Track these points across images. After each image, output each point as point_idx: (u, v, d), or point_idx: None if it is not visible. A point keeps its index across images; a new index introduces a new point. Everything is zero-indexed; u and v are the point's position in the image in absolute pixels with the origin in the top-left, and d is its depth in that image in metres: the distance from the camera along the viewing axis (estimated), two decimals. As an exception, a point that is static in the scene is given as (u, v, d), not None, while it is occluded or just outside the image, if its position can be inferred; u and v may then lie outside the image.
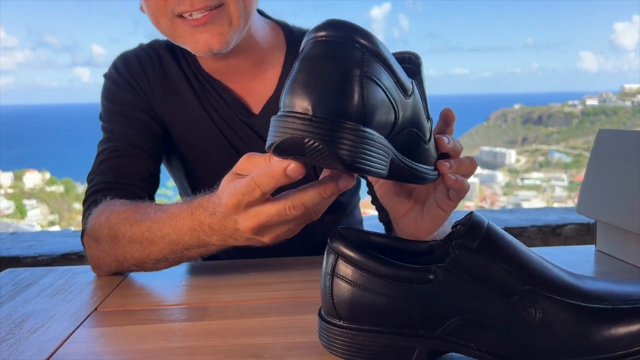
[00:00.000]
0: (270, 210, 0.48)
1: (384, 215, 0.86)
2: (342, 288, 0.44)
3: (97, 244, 0.67)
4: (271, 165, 0.45)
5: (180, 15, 0.70)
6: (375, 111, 0.40)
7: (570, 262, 0.76)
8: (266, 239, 0.51)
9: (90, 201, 0.74)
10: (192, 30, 0.71)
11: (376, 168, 0.42)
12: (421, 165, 0.51)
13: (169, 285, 0.66)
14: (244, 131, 0.84)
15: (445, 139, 0.55)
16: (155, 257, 0.61)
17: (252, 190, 0.46)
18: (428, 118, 0.51)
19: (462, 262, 0.42)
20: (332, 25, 0.40)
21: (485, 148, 47.55)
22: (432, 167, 0.54)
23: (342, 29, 0.39)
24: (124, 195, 0.72)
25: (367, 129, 0.40)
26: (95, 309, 0.58)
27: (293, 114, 0.39)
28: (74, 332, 0.52)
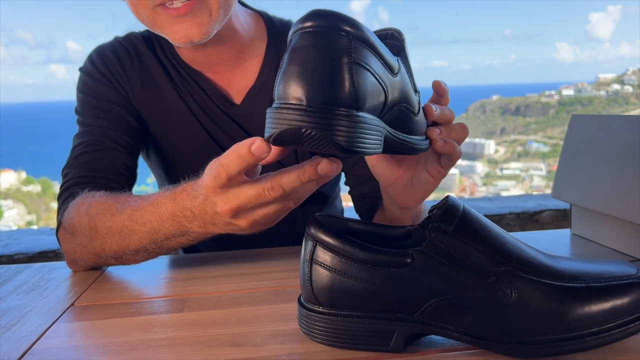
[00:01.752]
0: (248, 191, 0.48)
1: (359, 206, 0.87)
2: (321, 274, 0.44)
3: (73, 237, 0.66)
4: (237, 145, 0.45)
5: (162, 4, 0.69)
6: (366, 95, 0.41)
7: (546, 245, 0.77)
8: (244, 223, 0.51)
9: (67, 195, 0.73)
10: (172, 20, 0.70)
11: (372, 148, 0.43)
12: (412, 137, 0.51)
13: (148, 278, 0.66)
14: (224, 122, 0.83)
15: (434, 107, 0.55)
16: (135, 248, 0.61)
17: (220, 173, 0.47)
18: (415, 91, 0.51)
19: (439, 246, 0.43)
20: (318, 15, 0.40)
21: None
22: (423, 137, 0.54)
23: (327, 18, 0.40)
24: (101, 188, 0.71)
25: (361, 113, 0.41)
26: (72, 304, 0.57)
27: (288, 105, 0.40)
28: (50, 327, 0.51)
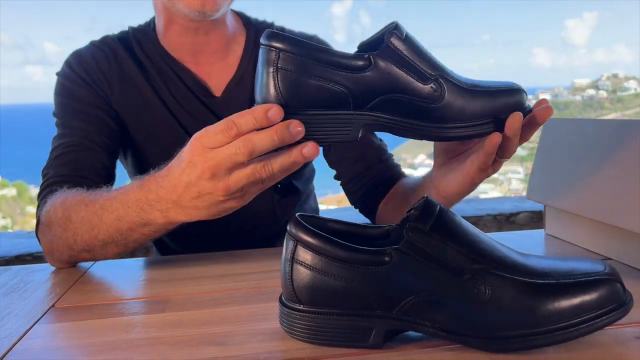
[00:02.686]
0: (225, 150, 0.49)
1: (353, 193, 0.91)
2: (302, 273, 0.45)
3: (49, 229, 0.68)
4: (253, 108, 0.48)
5: None
6: (295, 94, 0.49)
7: (521, 245, 0.78)
8: (219, 187, 0.51)
9: (46, 192, 0.74)
10: None
11: (333, 136, 0.50)
12: (426, 124, 0.52)
13: (128, 279, 0.66)
14: (203, 114, 0.85)
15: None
16: (103, 238, 0.62)
17: (229, 129, 0.48)
18: (427, 78, 0.52)
19: (416, 244, 0.44)
20: (264, 36, 0.50)
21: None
22: (466, 123, 0.53)
23: (267, 38, 0.49)
24: (79, 186, 0.71)
25: (300, 110, 0.49)
26: (53, 306, 0.57)
27: None
28: (30, 328, 0.51)
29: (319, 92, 0.49)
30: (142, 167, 0.87)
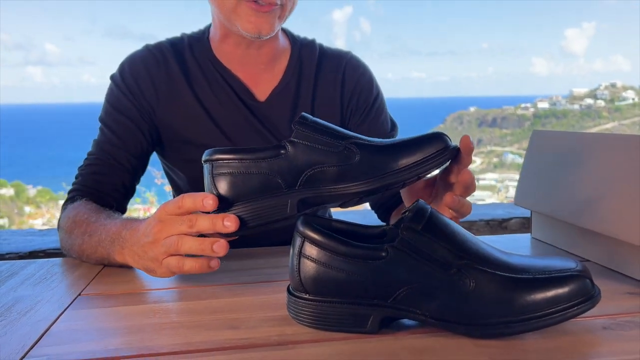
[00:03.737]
0: (175, 219, 0.61)
1: (380, 214, 1.02)
2: (308, 266, 0.51)
3: (60, 231, 0.82)
4: (199, 193, 0.60)
5: None
6: (232, 190, 0.59)
7: (508, 247, 0.85)
8: (158, 249, 0.62)
9: (71, 195, 0.85)
10: (252, 13, 0.82)
11: (268, 219, 0.59)
12: (349, 184, 0.59)
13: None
14: (247, 117, 0.92)
15: (455, 198, 0.63)
16: (87, 254, 0.74)
17: (179, 205, 0.60)
18: (338, 145, 0.59)
19: (409, 242, 0.50)
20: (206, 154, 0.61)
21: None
22: (375, 176, 0.59)
23: (208, 154, 0.61)
24: (96, 199, 0.83)
25: (236, 204, 0.59)
26: (79, 294, 0.63)
27: None
28: (62, 313, 0.57)
29: (251, 183, 0.58)
30: (180, 163, 0.95)
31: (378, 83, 1.02)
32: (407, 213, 0.53)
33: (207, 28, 0.96)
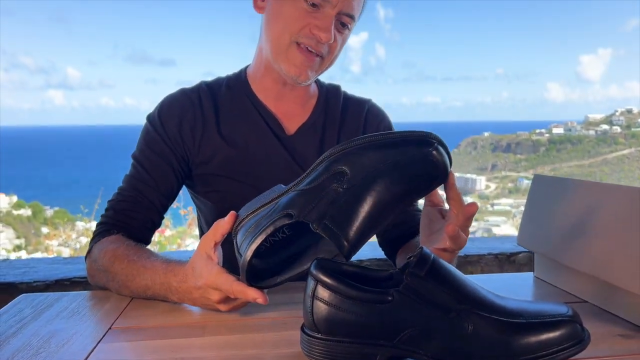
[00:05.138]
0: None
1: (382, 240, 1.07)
2: (321, 307, 0.56)
3: (95, 263, 0.87)
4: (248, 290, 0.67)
5: (301, 45, 0.91)
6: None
7: (513, 286, 0.89)
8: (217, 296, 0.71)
9: (102, 229, 0.91)
10: (299, 59, 0.92)
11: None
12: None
13: (170, 306, 0.77)
14: (277, 148, 0.99)
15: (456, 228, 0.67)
16: (131, 290, 0.80)
17: (229, 291, 0.68)
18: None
19: (413, 287, 0.55)
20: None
21: (456, 174, 48.17)
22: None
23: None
24: (127, 234, 0.90)
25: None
26: (110, 328, 0.68)
27: None
28: (96, 346, 0.62)
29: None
30: (208, 194, 1.01)
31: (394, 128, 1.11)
32: (411, 258, 0.58)
33: (245, 68, 1.06)
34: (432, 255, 0.58)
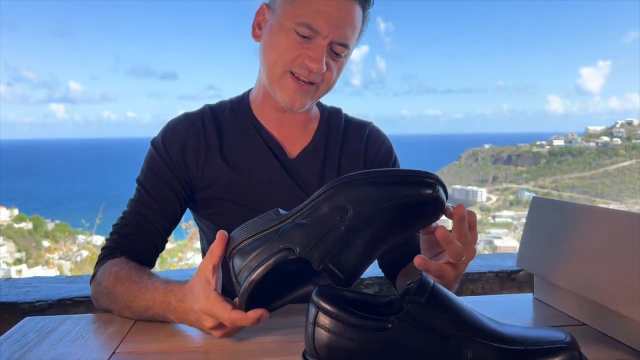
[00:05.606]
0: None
1: (382, 263, 1.08)
2: (322, 334, 0.57)
3: (100, 285, 0.88)
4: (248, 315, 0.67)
5: (292, 73, 0.93)
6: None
7: (512, 309, 0.90)
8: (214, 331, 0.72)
9: (106, 253, 0.93)
10: (293, 88, 0.94)
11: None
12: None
13: (172, 330, 0.77)
14: (278, 171, 1.00)
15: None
16: (132, 310, 0.81)
17: (227, 321, 0.68)
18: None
19: (413, 314, 0.56)
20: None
21: (457, 186, 48.46)
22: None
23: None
24: (131, 256, 0.92)
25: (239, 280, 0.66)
26: (114, 352, 0.69)
27: None
28: (100, 372, 0.63)
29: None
30: (210, 217, 1.02)
31: (396, 153, 1.13)
32: (411, 285, 0.59)
33: (248, 92, 1.08)
34: (432, 282, 0.58)
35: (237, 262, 0.67)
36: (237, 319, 0.67)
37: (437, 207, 0.65)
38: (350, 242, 0.64)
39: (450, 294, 0.59)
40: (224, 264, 0.71)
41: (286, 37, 0.92)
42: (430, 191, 0.64)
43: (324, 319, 0.57)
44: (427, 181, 0.65)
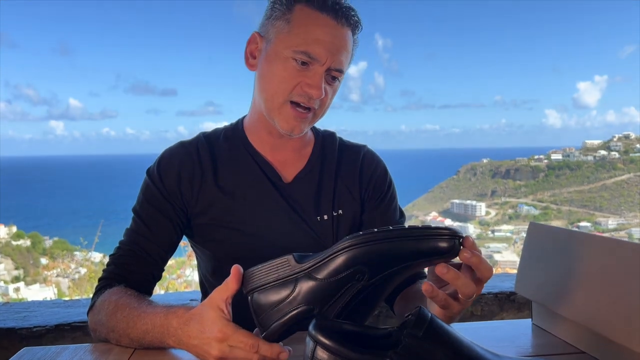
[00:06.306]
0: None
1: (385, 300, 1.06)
2: (320, 369, 0.57)
3: (98, 314, 0.88)
4: (273, 347, 0.68)
5: (291, 102, 0.94)
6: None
7: (511, 336, 0.90)
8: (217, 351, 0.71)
9: (104, 283, 0.93)
10: (293, 117, 0.95)
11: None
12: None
13: (172, 358, 0.77)
14: (274, 198, 1.01)
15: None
16: (131, 337, 0.81)
17: (251, 347, 0.68)
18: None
19: (410, 348, 0.56)
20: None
21: (456, 201, 48.47)
22: None
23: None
24: (128, 285, 0.91)
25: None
26: (112, 385, 0.69)
27: None
28: (98, 406, 0.63)
29: None
30: (206, 243, 1.02)
31: (391, 175, 1.13)
32: (409, 317, 0.59)
33: (242, 119, 1.08)
34: (430, 315, 0.59)
35: (257, 305, 0.69)
36: (266, 349, 0.68)
37: (451, 256, 0.67)
38: (366, 299, 0.68)
39: (448, 327, 0.59)
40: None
41: (284, 65, 0.93)
42: (446, 245, 0.66)
43: (322, 353, 0.57)
44: (444, 238, 0.66)
